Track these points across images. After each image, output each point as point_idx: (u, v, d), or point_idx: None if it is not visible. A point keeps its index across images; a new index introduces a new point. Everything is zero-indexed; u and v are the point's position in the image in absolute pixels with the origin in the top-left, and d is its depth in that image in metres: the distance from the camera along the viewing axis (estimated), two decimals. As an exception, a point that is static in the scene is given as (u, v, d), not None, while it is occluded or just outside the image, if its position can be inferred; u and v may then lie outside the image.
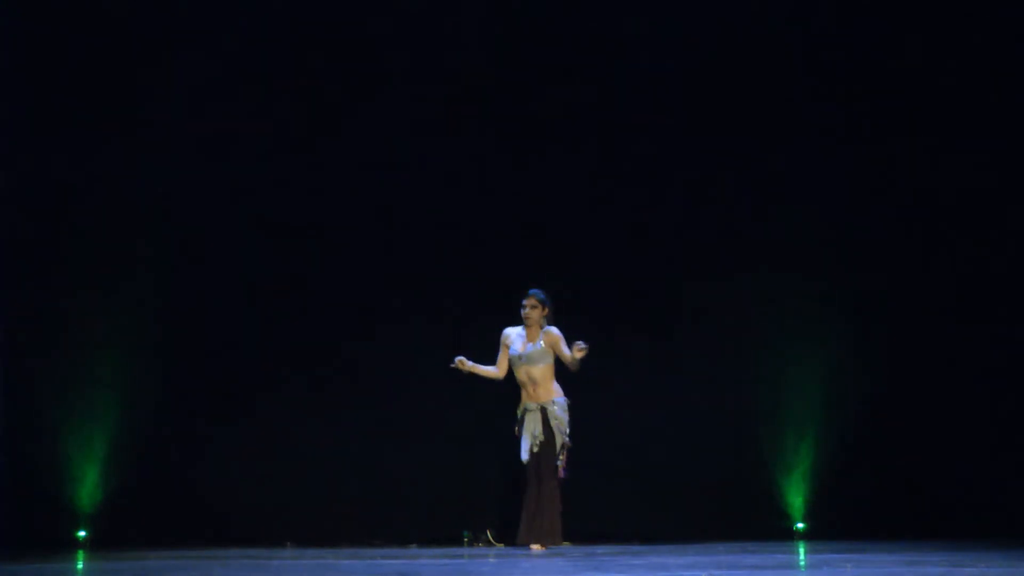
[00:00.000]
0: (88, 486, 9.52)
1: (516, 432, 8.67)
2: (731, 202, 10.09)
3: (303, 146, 9.95)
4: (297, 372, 9.75)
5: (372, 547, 9.19)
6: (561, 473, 8.51)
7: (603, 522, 9.54)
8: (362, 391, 9.80)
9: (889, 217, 10.03)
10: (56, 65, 9.85)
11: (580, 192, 10.01)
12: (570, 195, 9.99)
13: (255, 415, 9.71)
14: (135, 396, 9.63)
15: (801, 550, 8.29)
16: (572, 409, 8.63)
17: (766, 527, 9.65)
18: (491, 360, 8.78)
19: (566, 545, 8.60)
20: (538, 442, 8.51)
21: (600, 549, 8.61)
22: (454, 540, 9.53)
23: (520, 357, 8.64)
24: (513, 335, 8.73)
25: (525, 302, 8.70)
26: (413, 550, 8.91)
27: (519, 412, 8.67)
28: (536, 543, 8.46)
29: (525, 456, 8.55)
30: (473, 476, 9.74)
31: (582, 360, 8.42)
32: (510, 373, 8.75)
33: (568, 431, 8.57)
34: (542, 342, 8.61)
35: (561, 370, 8.64)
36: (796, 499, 9.82)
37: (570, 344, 8.48)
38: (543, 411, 8.57)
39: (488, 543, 9.45)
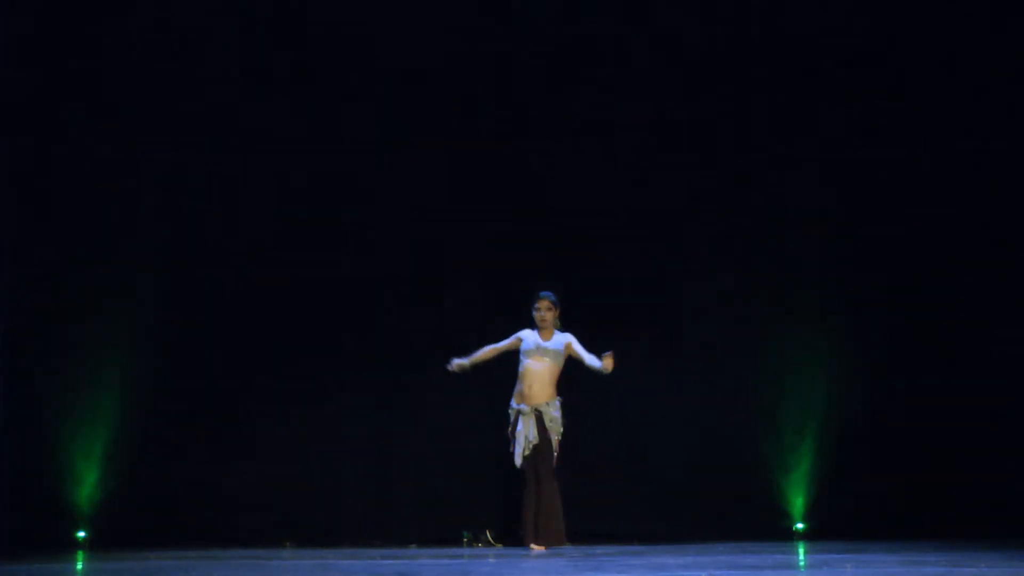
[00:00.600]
0: (87, 486, 9.52)
1: (508, 432, 8.68)
2: (731, 201, 10.09)
3: (303, 144, 9.94)
4: (297, 372, 9.74)
5: (372, 547, 9.19)
6: (555, 462, 8.52)
7: (603, 522, 9.53)
8: (362, 391, 9.79)
9: (889, 217, 10.03)
10: (56, 64, 9.84)
11: (580, 192, 10.00)
12: (570, 195, 9.98)
13: (255, 415, 9.71)
14: (135, 396, 9.63)
15: (801, 550, 8.29)
16: (566, 407, 8.63)
17: (766, 527, 9.65)
18: (488, 370, 8.78)
19: (567, 546, 8.60)
20: (531, 446, 8.52)
21: (599, 549, 8.60)
22: (454, 540, 9.53)
23: (537, 348, 8.58)
24: (527, 334, 8.71)
25: (539, 305, 8.67)
26: (413, 550, 8.91)
27: (512, 412, 8.66)
28: (538, 544, 8.45)
29: (519, 460, 8.56)
30: (473, 476, 9.74)
31: (604, 364, 8.39)
32: (505, 368, 8.71)
33: (562, 430, 8.57)
34: (558, 344, 8.60)
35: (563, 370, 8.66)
36: (796, 499, 9.82)
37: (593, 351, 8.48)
38: (537, 414, 8.56)
39: (488, 543, 9.45)
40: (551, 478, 8.49)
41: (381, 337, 9.81)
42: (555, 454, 8.56)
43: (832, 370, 9.93)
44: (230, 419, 9.68)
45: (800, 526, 9.77)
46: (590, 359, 8.50)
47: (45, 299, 9.68)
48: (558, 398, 8.64)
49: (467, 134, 9.95)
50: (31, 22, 9.82)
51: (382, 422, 9.79)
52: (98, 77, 9.85)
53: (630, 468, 9.74)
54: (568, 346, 8.60)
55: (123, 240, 9.78)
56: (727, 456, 9.77)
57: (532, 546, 8.46)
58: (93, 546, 9.38)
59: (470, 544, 9.47)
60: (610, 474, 9.62)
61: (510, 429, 8.68)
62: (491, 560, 7.70)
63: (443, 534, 9.59)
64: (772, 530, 9.67)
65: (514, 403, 8.65)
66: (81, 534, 9.45)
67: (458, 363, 8.69)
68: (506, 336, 8.80)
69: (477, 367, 8.78)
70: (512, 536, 9.24)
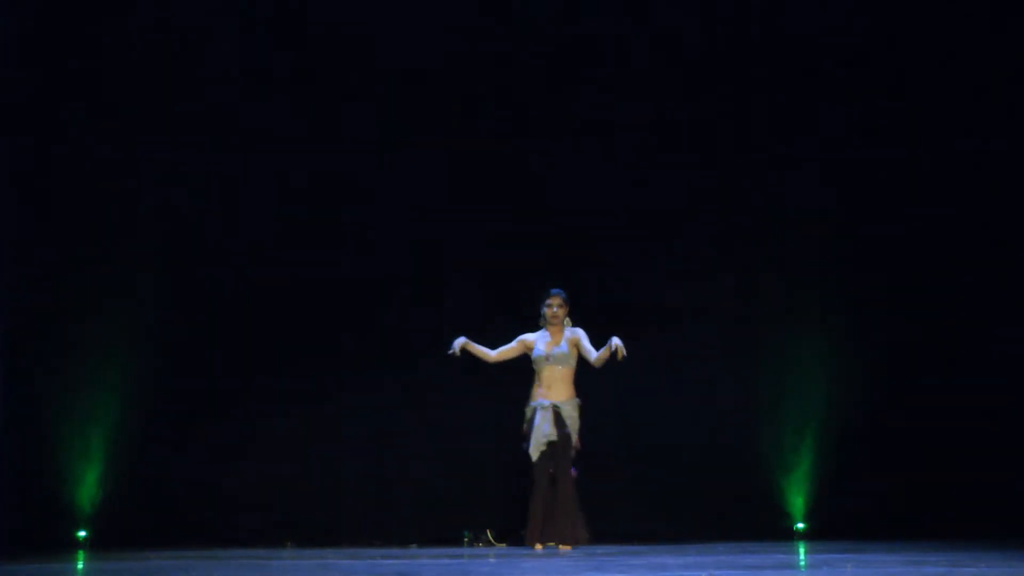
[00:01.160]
0: (88, 486, 9.52)
1: (524, 430, 8.58)
2: (731, 201, 10.09)
3: (303, 144, 9.94)
4: (297, 372, 9.74)
5: (372, 547, 9.19)
6: (572, 472, 8.48)
7: (603, 522, 9.51)
8: (362, 391, 9.79)
9: (889, 217, 10.03)
10: (56, 64, 9.84)
11: (580, 192, 10.00)
12: (570, 195, 9.98)
13: (255, 415, 9.71)
14: (134, 396, 9.63)
15: (801, 550, 8.29)
16: (582, 409, 8.60)
17: (766, 527, 9.66)
18: (488, 370, 8.78)
19: (593, 544, 8.50)
20: (547, 441, 8.42)
21: (599, 549, 8.59)
22: (454, 540, 9.53)
23: (547, 358, 8.54)
24: (536, 338, 8.67)
25: (551, 301, 8.61)
26: (413, 550, 8.91)
27: (528, 410, 8.59)
28: (564, 543, 8.34)
29: (535, 455, 8.43)
30: (473, 476, 9.74)
31: (609, 356, 8.29)
32: (508, 368, 8.70)
33: (579, 432, 8.54)
34: (566, 344, 8.58)
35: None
36: (796, 499, 9.82)
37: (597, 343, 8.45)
38: (556, 410, 8.49)
39: (488, 543, 9.44)
40: (567, 478, 8.41)
41: (381, 337, 9.81)
42: (573, 453, 8.48)
43: (832, 370, 9.93)
44: (230, 419, 9.68)
45: (800, 526, 9.77)
46: (595, 355, 8.46)
47: (45, 299, 9.68)
48: (577, 399, 8.59)
49: (467, 134, 9.95)
50: (31, 22, 9.82)
51: (382, 422, 9.79)
52: (98, 77, 9.85)
53: (630, 468, 9.73)
54: (574, 344, 8.56)
55: (123, 240, 9.78)
56: (727, 456, 9.77)
57: (560, 547, 8.38)
58: (93, 546, 9.38)
59: (470, 544, 9.47)
60: (610, 474, 9.61)
61: (525, 425, 8.58)
62: (491, 560, 7.70)
63: (443, 534, 9.59)
64: (772, 530, 9.67)
65: (531, 400, 8.61)
66: (81, 534, 9.45)
67: (461, 343, 8.62)
68: (507, 337, 8.77)
69: (475, 360, 8.74)
70: (513, 535, 9.24)
